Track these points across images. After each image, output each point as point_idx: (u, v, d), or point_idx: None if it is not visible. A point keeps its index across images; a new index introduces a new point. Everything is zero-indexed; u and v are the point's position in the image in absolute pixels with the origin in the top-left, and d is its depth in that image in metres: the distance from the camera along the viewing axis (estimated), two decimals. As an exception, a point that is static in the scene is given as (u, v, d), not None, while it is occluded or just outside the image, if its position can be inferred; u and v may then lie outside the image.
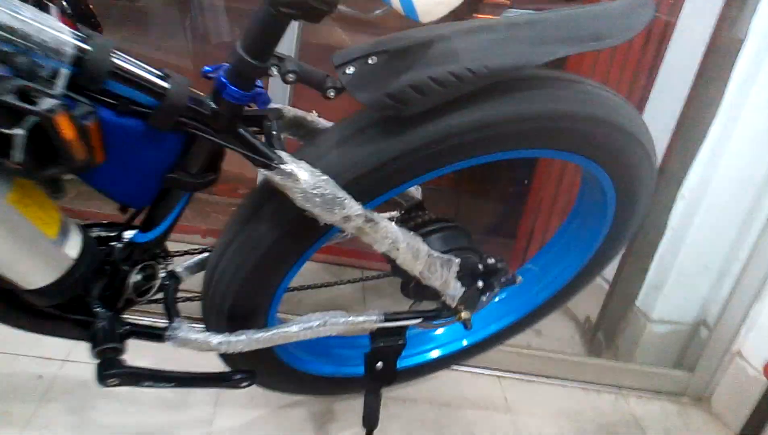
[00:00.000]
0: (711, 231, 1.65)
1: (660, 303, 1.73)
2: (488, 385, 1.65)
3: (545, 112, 0.99)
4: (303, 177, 0.88)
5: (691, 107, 1.60)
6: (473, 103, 0.95)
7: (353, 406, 1.48)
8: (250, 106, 0.90)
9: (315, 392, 1.40)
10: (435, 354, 1.41)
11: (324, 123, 1.09)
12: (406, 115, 0.91)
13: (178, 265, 1.14)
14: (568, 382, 1.71)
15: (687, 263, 1.68)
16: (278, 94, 1.37)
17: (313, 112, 1.08)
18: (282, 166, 0.88)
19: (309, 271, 1.93)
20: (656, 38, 1.74)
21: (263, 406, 1.45)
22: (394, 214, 1.31)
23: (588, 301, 1.86)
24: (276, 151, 0.90)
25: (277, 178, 0.89)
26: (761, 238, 1.60)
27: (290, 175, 0.88)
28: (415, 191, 1.30)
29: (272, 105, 0.98)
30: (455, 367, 1.63)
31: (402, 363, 1.33)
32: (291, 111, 1.05)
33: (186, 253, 1.15)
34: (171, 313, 1.07)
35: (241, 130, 0.88)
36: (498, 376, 1.68)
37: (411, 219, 1.25)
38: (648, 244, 1.70)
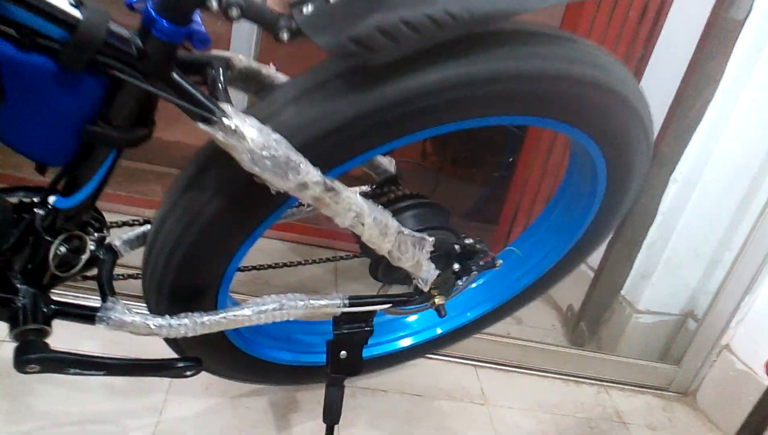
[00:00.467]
0: (703, 218, 1.54)
1: (647, 292, 1.62)
2: (464, 374, 1.53)
3: (535, 72, 0.84)
4: (250, 134, 0.73)
5: (687, 86, 1.47)
6: (452, 56, 0.80)
7: (318, 395, 1.33)
8: (186, 48, 0.75)
9: (273, 381, 1.25)
10: (406, 342, 1.27)
11: (282, 78, 0.93)
12: (374, 66, 0.76)
13: (117, 237, 0.98)
14: (548, 373, 1.59)
15: (677, 251, 1.57)
16: (242, 44, 1.18)
17: (271, 65, 0.93)
18: (225, 121, 0.72)
19: (277, 250, 1.78)
20: (653, 12, 1.60)
21: (219, 394, 1.31)
22: (365, 188, 1.16)
23: (571, 289, 1.74)
24: (219, 103, 0.74)
25: (219, 135, 0.73)
26: (756, 227, 1.49)
27: (234, 131, 0.73)
28: (389, 164, 1.16)
29: (220, 52, 0.83)
30: (429, 355, 1.49)
31: (369, 352, 1.19)
32: (243, 61, 0.89)
33: (125, 224, 0.99)
34: (105, 291, 0.92)
35: (175, 76, 0.73)
36: (474, 366, 1.56)
37: (383, 194, 1.12)
38: (636, 230, 1.58)
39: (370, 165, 1.13)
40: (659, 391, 1.64)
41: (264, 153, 0.74)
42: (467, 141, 2.28)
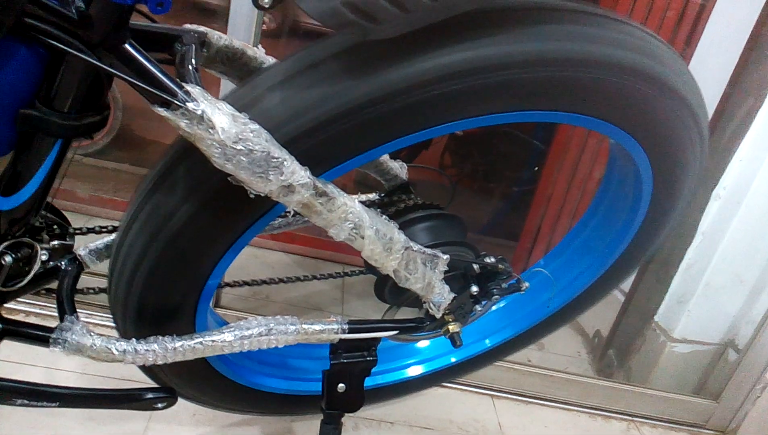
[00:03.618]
0: (748, 238, 1.38)
1: (683, 319, 1.46)
2: (479, 405, 1.37)
3: (572, 56, 0.68)
4: (220, 123, 0.57)
5: (733, 92, 1.32)
6: (472, 35, 0.64)
7: (318, 424, 1.17)
8: (143, 14, 0.59)
9: (265, 411, 1.08)
10: (415, 371, 1.10)
11: (271, 61, 0.77)
12: (377, 41, 0.60)
13: (83, 246, 0.83)
14: (573, 406, 1.43)
15: (718, 274, 1.41)
16: (240, 29, 1.02)
17: (259, 46, 0.77)
18: (189, 105, 0.57)
19: (280, 262, 1.63)
20: (692, 15, 1.43)
21: (207, 423, 1.15)
22: (372, 196, 1.00)
23: (599, 313, 1.57)
24: (184, 84, 0.58)
25: (182, 124, 0.57)
26: (807, 249, 1.31)
27: (201, 118, 0.57)
28: (400, 169, 1.00)
29: (193, 27, 0.67)
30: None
31: (372, 380, 1.03)
32: (222, 39, 0.73)
33: (91, 230, 0.83)
34: (64, 308, 0.77)
35: (129, 48, 0.57)
36: (491, 396, 1.40)
37: (392, 203, 0.97)
38: (673, 251, 1.42)
39: (378, 169, 0.96)
40: (695, 429, 1.47)
41: (238, 147, 0.58)
42: (488, 153, 2.13)
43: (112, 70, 0.56)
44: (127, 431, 1.11)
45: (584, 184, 1.63)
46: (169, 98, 0.56)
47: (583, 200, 1.63)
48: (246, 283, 1.04)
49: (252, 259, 1.58)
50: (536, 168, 1.73)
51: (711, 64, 1.39)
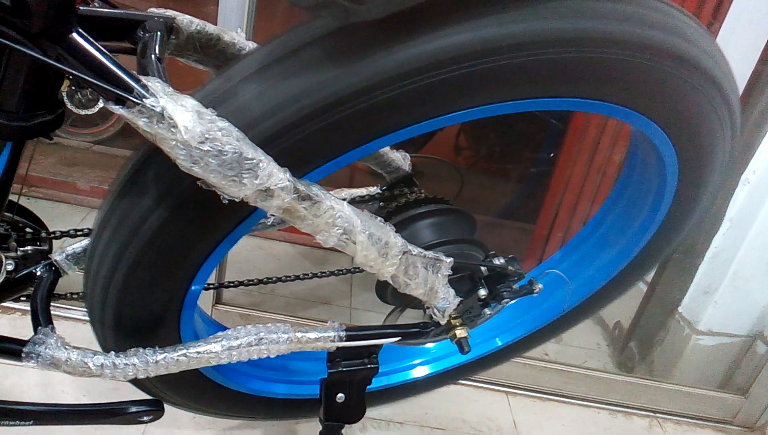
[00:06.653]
0: None
1: (709, 310, 1.39)
2: (493, 403, 1.30)
3: (587, 35, 0.59)
4: (183, 122, 0.49)
5: (763, 70, 1.23)
6: (474, 13, 0.55)
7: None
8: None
9: (264, 416, 1.02)
10: (421, 372, 1.03)
11: (251, 47, 0.69)
12: (362, 24, 0.52)
13: (60, 251, 0.77)
14: (592, 402, 1.37)
15: (746, 264, 1.34)
16: (232, 19, 0.95)
17: (238, 30, 0.69)
18: (148, 102, 0.49)
19: (286, 254, 1.56)
20: None
21: (208, 425, 1.10)
22: (373, 189, 0.92)
23: (620, 304, 1.46)
24: (142, 77, 0.51)
25: (140, 123, 0.50)
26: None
27: (161, 116, 0.49)
28: (402, 160, 0.92)
29: (160, 11, 0.59)
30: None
31: (375, 382, 0.96)
32: (194, 23, 0.65)
33: (65, 234, 0.77)
34: (39, 318, 0.71)
35: (77, 37, 0.50)
36: (506, 393, 1.34)
37: (393, 198, 0.88)
38: (699, 238, 1.34)
39: (377, 161, 0.89)
40: (722, 425, 1.41)
41: (205, 147, 0.51)
42: (504, 133, 2.04)
43: (57, 64, 0.48)
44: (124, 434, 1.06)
45: (604, 166, 1.54)
46: (123, 94, 0.49)
47: (603, 184, 1.55)
48: (241, 283, 0.97)
49: (256, 251, 1.52)
50: (552, 154, 1.63)
51: (740, 39, 1.29)
